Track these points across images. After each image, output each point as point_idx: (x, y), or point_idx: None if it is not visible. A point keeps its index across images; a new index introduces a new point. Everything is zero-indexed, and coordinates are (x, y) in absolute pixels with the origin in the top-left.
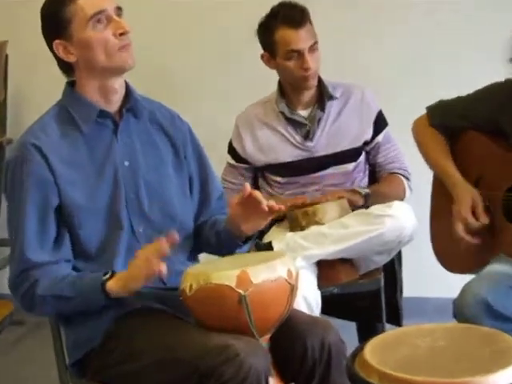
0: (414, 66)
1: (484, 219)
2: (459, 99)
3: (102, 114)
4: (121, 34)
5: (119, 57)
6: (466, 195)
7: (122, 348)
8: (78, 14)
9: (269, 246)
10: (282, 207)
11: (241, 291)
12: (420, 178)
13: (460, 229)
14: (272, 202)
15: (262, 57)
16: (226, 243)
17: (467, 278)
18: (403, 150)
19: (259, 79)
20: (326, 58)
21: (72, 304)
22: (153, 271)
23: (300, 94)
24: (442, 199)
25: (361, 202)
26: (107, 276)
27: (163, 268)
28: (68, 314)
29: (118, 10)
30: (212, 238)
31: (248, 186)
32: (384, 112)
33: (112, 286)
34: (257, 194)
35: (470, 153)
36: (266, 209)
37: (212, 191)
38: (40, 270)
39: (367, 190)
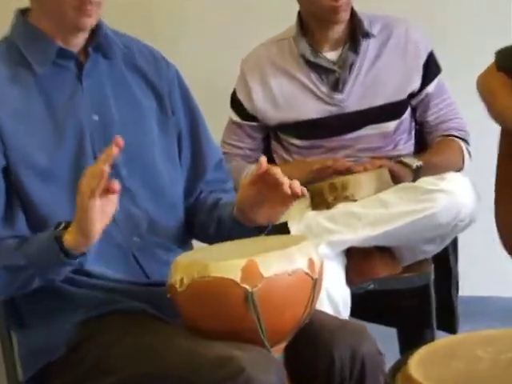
0: (491, 27)
1: None
2: None
3: (62, 53)
4: None
5: (73, 17)
6: None
7: (93, 359)
8: None
9: (284, 228)
10: (305, 191)
11: (247, 287)
12: (478, 146)
13: None
14: (297, 184)
15: None
16: (229, 234)
17: None
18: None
19: (273, 9)
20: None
21: (28, 274)
22: (91, 190)
23: (327, 29)
24: None
25: (409, 178)
26: (61, 227)
27: (115, 183)
28: (28, 291)
29: None
30: (211, 224)
31: (264, 161)
32: (459, 76)
33: (68, 237)
34: (276, 171)
35: None
36: (289, 191)
37: (207, 156)
38: None
39: (419, 163)
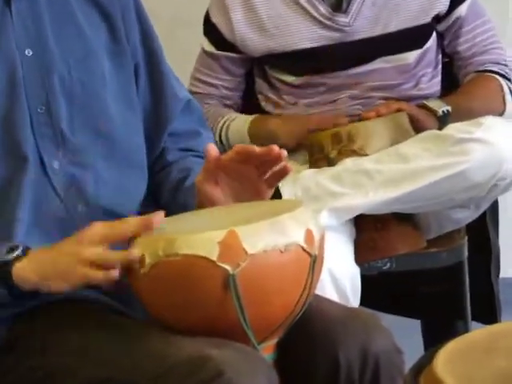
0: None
1: None
2: None
3: None
4: None
5: None
6: None
7: (30, 364)
8: None
9: (275, 190)
10: (284, 154)
11: (227, 267)
12: None
13: None
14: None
15: None
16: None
17: None
18: None
19: None
20: None
21: None
22: (103, 277)
23: None
24: None
25: (434, 127)
26: (16, 253)
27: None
28: None
29: None
30: (176, 208)
31: (212, 148)
32: None
33: (22, 272)
34: (237, 150)
35: None
36: (275, 151)
37: (170, 98)
38: None
39: (446, 108)
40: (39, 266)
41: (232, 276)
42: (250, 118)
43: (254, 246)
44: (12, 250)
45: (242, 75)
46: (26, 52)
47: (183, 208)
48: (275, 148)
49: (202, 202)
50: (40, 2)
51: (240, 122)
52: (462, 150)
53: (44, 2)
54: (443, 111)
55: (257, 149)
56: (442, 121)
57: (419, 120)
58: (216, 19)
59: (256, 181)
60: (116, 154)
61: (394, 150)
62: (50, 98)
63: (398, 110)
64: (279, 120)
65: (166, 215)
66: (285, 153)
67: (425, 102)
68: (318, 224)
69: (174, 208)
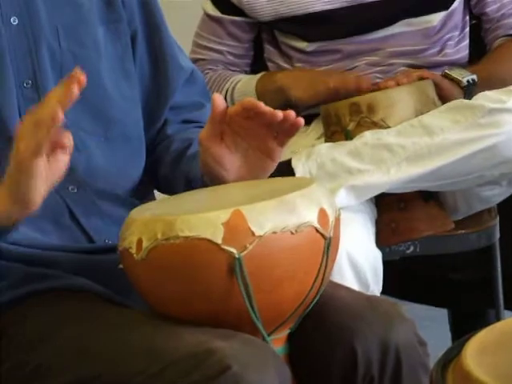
0: None
1: None
2: None
3: None
4: None
5: None
6: None
7: (18, 359)
8: None
9: (286, 169)
10: (301, 122)
11: (233, 250)
12: None
13: None
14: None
15: None
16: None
17: None
18: None
19: None
20: None
21: None
22: (39, 140)
23: None
24: None
25: (459, 98)
26: None
27: (67, 136)
28: None
29: None
30: (178, 182)
31: (218, 98)
32: None
33: None
34: (245, 105)
35: None
36: (281, 116)
37: (173, 68)
38: None
39: (471, 77)
40: (11, 196)
41: (238, 260)
42: (257, 76)
43: (262, 227)
44: None
45: (250, 41)
46: (12, 20)
47: (184, 182)
48: (280, 114)
49: (207, 162)
50: None
51: (246, 82)
52: (492, 122)
53: None
54: (468, 80)
55: (266, 108)
56: (467, 91)
57: (444, 89)
58: None
59: (265, 139)
60: (110, 131)
61: (417, 121)
62: (37, 72)
63: (420, 79)
64: (291, 75)
65: (165, 192)
66: (293, 114)
67: (447, 71)
68: (332, 203)
69: (174, 182)
